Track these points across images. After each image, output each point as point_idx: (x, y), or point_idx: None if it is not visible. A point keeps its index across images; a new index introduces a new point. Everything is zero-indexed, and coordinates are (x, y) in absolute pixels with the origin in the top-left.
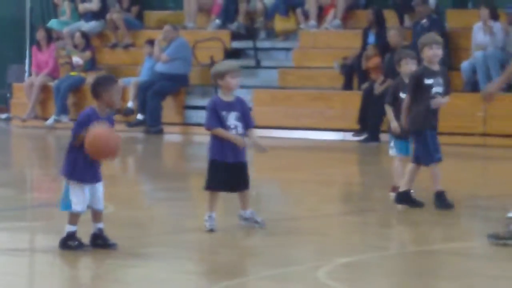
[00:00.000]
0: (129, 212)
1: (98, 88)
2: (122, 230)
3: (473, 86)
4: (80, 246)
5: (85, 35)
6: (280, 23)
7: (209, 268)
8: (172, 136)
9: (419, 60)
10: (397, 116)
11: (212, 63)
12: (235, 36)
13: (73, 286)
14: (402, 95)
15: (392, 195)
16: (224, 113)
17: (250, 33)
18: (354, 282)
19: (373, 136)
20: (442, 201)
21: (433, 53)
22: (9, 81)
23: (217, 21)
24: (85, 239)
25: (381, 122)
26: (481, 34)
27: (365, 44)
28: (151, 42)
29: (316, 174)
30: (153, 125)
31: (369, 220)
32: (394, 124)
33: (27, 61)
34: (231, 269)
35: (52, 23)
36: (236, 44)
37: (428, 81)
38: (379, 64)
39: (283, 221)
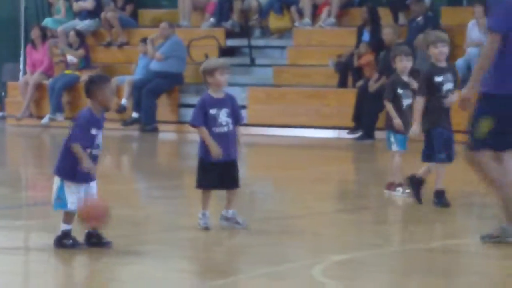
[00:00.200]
0: (123, 210)
1: (91, 88)
2: (116, 228)
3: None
4: (75, 244)
5: (79, 34)
6: (274, 21)
7: (204, 266)
8: (166, 134)
9: (415, 57)
10: (397, 113)
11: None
12: (229, 34)
13: (68, 285)
14: (400, 91)
15: (387, 192)
16: (215, 110)
17: (244, 31)
18: (349, 279)
19: (368, 134)
20: (440, 199)
21: (439, 51)
22: (3, 79)
23: (212, 19)
24: (80, 237)
25: (376, 120)
26: (476, 31)
27: (359, 42)
28: (145, 41)
29: (311, 172)
30: (148, 123)
31: (364, 218)
32: (398, 121)
33: (21, 59)
34: (225, 267)
35: (47, 22)
36: (231, 42)
37: (438, 79)
38: (371, 62)
39: (278, 219)
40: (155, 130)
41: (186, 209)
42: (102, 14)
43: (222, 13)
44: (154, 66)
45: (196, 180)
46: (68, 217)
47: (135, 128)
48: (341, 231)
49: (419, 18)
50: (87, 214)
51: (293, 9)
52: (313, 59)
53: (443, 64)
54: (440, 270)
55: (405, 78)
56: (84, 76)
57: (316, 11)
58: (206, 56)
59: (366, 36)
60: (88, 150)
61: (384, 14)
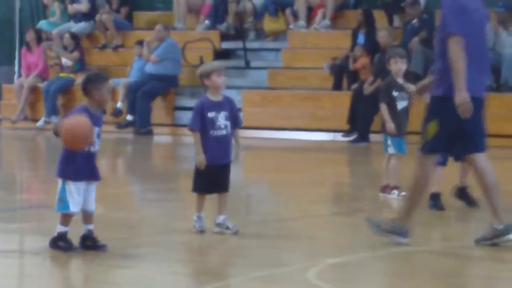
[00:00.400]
0: (118, 213)
1: (88, 86)
2: (111, 231)
3: None
4: (70, 248)
5: (74, 36)
6: (269, 24)
7: (199, 269)
8: (161, 137)
9: (410, 59)
10: (392, 115)
11: (202, 63)
12: (224, 37)
13: None
14: (395, 94)
15: (383, 195)
16: (213, 113)
17: (239, 34)
18: (343, 282)
19: (363, 136)
20: (435, 202)
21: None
22: None
23: (207, 22)
24: (75, 240)
25: (371, 122)
26: None
27: (354, 44)
28: (141, 43)
29: (306, 175)
30: (143, 126)
31: (359, 221)
32: (390, 125)
33: (16, 62)
34: (220, 270)
35: (42, 24)
36: (226, 45)
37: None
38: (367, 65)
39: (273, 222)
40: (150, 133)
41: (181, 212)
42: (97, 17)
43: (217, 16)
44: (149, 68)
45: (192, 184)
46: (66, 219)
47: (130, 131)
48: (336, 234)
49: (414, 21)
50: (73, 138)
51: (288, 11)
52: (308, 62)
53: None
54: (436, 273)
55: (400, 80)
56: (79, 79)
57: (311, 13)
58: (201, 59)
59: (361, 39)
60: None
61: (379, 17)
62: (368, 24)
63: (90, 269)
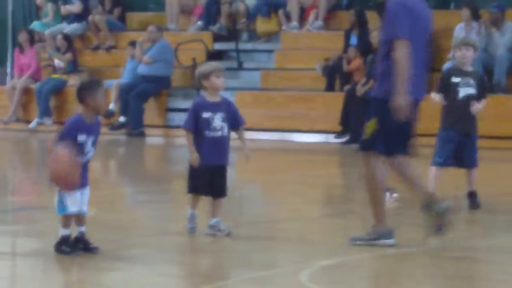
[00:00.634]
0: (111, 215)
1: (82, 93)
2: (104, 233)
3: None
4: (73, 252)
5: (67, 37)
6: (262, 25)
7: (191, 271)
8: (154, 138)
9: None
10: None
11: (195, 65)
12: (217, 38)
13: None
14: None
15: None
16: (209, 114)
17: (232, 35)
18: (336, 284)
19: (355, 138)
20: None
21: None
22: None
23: (199, 23)
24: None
25: (364, 124)
26: (463, 35)
27: (347, 45)
28: (133, 44)
29: (298, 176)
30: (135, 128)
31: (351, 222)
32: None
33: (9, 63)
34: (212, 272)
35: (35, 25)
36: (218, 46)
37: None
38: (361, 66)
39: (265, 224)
40: (143, 135)
41: (173, 213)
42: (90, 18)
43: (210, 17)
44: (142, 70)
45: (187, 185)
46: (67, 221)
47: (122, 132)
48: (328, 235)
49: None
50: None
51: (280, 12)
52: (300, 63)
53: (466, 67)
54: (428, 274)
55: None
56: (72, 80)
57: (303, 14)
58: (194, 60)
59: (353, 40)
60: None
61: (372, 18)
62: (361, 25)
63: (82, 271)
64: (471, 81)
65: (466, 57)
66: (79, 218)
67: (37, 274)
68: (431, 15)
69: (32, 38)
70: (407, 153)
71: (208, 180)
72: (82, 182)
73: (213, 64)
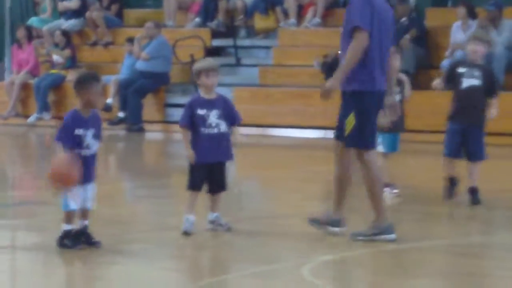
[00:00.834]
0: (111, 209)
1: (77, 87)
2: (104, 228)
3: None
4: (76, 245)
5: (65, 33)
6: (260, 21)
7: (191, 265)
8: (152, 134)
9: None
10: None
11: (192, 61)
12: (215, 34)
13: (55, 283)
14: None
15: None
16: (204, 111)
17: (230, 31)
18: (337, 279)
19: None
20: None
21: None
22: None
23: (197, 19)
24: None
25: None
26: (461, 33)
27: None
28: (131, 40)
29: (298, 172)
30: (134, 123)
31: (351, 218)
32: (382, 120)
33: (7, 59)
34: (213, 267)
35: (32, 21)
36: (216, 42)
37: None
38: None
39: (266, 219)
40: (141, 130)
41: (172, 208)
42: (87, 14)
43: (208, 13)
44: (140, 66)
45: (187, 182)
46: (69, 217)
47: (121, 127)
48: None
49: (404, 19)
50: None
51: (278, 9)
52: (298, 59)
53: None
54: (428, 270)
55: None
56: (70, 75)
57: (301, 11)
58: (192, 56)
59: None
60: (76, 151)
61: None
62: None
63: (82, 265)
64: (476, 73)
65: (476, 52)
66: (83, 213)
67: (37, 268)
68: (392, 14)
69: (30, 34)
70: (374, 146)
71: (205, 176)
72: (86, 177)
73: (205, 62)
